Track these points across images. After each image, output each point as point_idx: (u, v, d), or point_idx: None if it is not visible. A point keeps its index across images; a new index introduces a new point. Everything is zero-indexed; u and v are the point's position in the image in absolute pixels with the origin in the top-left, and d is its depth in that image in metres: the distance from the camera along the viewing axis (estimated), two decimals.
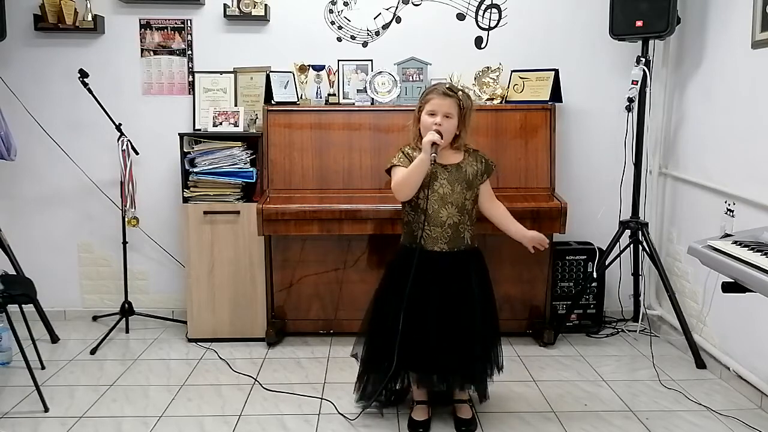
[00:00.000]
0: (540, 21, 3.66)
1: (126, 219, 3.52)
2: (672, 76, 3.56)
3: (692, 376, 3.06)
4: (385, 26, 3.68)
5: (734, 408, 2.73)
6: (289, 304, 3.49)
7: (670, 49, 3.55)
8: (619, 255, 3.49)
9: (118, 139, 3.43)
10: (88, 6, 3.55)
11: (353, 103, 3.56)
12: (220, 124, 3.45)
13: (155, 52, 3.69)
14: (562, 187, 3.48)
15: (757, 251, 1.91)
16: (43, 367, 3.09)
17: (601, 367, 3.16)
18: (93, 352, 3.33)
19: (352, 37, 3.69)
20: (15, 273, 3.33)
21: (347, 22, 3.68)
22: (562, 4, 3.66)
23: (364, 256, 3.43)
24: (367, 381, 2.63)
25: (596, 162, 3.72)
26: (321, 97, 3.57)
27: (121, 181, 3.47)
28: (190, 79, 3.69)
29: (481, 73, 3.58)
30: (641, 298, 3.64)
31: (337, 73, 3.61)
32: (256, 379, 3.01)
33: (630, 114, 3.37)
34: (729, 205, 2.95)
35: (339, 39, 3.68)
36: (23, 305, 3.21)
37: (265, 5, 3.59)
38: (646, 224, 3.46)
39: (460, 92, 2.46)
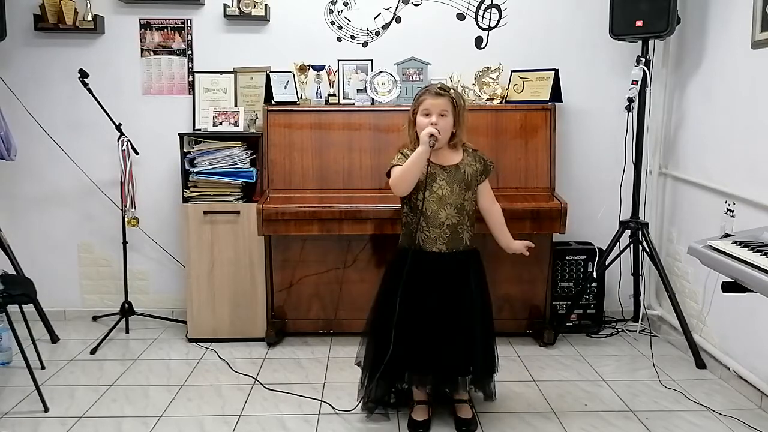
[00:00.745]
0: (540, 21, 3.66)
1: (126, 219, 3.52)
2: (672, 76, 3.56)
3: (692, 376, 3.06)
4: (385, 26, 3.68)
5: (734, 408, 2.73)
6: (289, 304, 3.49)
7: (670, 49, 3.54)
8: (619, 255, 3.49)
9: (118, 139, 3.43)
10: (88, 6, 3.55)
11: (353, 103, 3.56)
12: (220, 124, 3.45)
13: (155, 52, 3.69)
14: (562, 187, 3.48)
15: (757, 251, 1.91)
16: (43, 367, 3.09)
17: (601, 367, 3.16)
18: (93, 352, 3.33)
19: (352, 37, 3.69)
20: (15, 273, 3.33)
21: (347, 22, 3.68)
22: (562, 4, 3.66)
23: (364, 256, 3.43)
24: (369, 386, 2.59)
25: (596, 162, 3.72)
26: (321, 97, 3.57)
27: (121, 181, 3.47)
28: (190, 79, 3.69)
29: (481, 73, 3.58)
30: (641, 298, 3.63)
31: (337, 73, 3.61)
32: (256, 379, 3.01)
33: (630, 114, 3.37)
34: (729, 205, 2.95)
35: (339, 39, 3.68)
36: (23, 305, 3.22)
37: (265, 5, 3.59)
38: (646, 224, 3.46)
39: (452, 90, 2.49)
